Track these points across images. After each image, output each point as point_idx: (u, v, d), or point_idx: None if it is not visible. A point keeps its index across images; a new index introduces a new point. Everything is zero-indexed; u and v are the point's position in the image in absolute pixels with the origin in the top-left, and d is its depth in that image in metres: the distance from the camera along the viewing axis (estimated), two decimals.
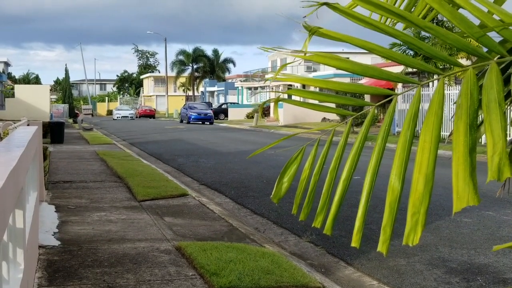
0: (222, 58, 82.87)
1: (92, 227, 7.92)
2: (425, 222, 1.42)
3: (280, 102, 1.68)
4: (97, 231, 7.67)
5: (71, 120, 53.22)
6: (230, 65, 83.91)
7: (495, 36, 1.65)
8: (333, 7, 1.46)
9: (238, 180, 14.06)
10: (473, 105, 1.45)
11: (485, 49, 1.63)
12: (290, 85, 52.86)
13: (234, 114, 58.79)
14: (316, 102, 1.79)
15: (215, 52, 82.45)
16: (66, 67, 65.63)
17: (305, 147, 1.72)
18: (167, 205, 9.86)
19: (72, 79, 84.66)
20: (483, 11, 1.58)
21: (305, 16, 1.47)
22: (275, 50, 1.53)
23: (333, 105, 1.85)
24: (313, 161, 1.68)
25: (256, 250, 6.65)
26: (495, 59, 1.59)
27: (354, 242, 1.56)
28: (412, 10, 2.38)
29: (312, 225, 1.68)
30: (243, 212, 10.26)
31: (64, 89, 66.75)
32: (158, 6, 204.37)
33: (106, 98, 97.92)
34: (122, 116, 68.26)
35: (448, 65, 1.78)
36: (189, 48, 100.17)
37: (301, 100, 1.86)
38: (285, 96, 1.78)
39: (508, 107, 1.71)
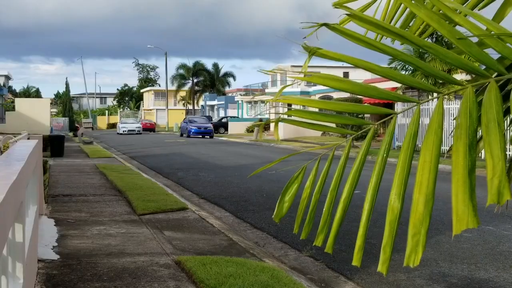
0: (222, 72, 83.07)
1: (92, 241, 7.91)
2: (425, 243, 1.42)
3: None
4: (97, 245, 7.66)
5: (71, 134, 53.28)
6: (230, 79, 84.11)
7: (493, 54, 1.67)
8: (333, 28, 1.48)
9: (238, 194, 14.05)
10: (473, 125, 1.46)
11: (483, 67, 1.64)
12: (290, 104, 52.92)
13: (234, 128, 58.85)
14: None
15: (215, 66, 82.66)
16: (66, 81, 66.19)
17: (305, 167, 1.73)
18: (167, 219, 9.85)
19: (73, 92, 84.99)
20: (481, 29, 1.60)
21: (305, 37, 1.49)
22: (275, 72, 1.55)
23: (333, 124, 1.86)
24: (314, 180, 1.69)
25: (256, 265, 6.64)
26: (494, 76, 1.60)
27: (355, 261, 1.57)
28: (411, 24, 2.40)
29: (314, 244, 1.69)
30: (243, 226, 10.24)
31: (64, 102, 66.94)
32: (158, 20, 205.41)
33: (106, 111, 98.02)
34: (128, 130, 60.39)
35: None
36: (189, 62, 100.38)
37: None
38: (286, 115, 1.80)
39: (509, 127, 1.72)
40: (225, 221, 10.58)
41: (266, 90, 64.05)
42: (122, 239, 8.11)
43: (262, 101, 47.70)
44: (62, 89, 77.65)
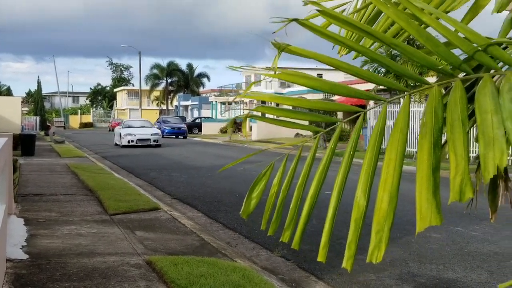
0: (196, 72, 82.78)
1: (62, 241, 7.82)
2: (388, 240, 1.44)
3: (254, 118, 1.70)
4: (67, 245, 7.58)
5: (42, 133, 52.63)
6: (204, 80, 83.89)
7: (460, 54, 1.69)
8: (302, 24, 1.49)
9: (210, 194, 14.03)
10: (438, 123, 1.48)
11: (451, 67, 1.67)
12: (264, 102, 53.13)
13: (208, 129, 58.74)
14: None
15: (190, 66, 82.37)
16: (38, 79, 65.09)
17: (273, 163, 1.74)
18: (139, 219, 9.79)
19: (45, 91, 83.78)
20: (449, 29, 1.62)
21: (274, 32, 1.50)
22: (244, 69, 1.55)
23: (306, 122, 1.87)
24: (282, 177, 1.70)
25: (228, 265, 6.64)
26: (460, 76, 1.63)
27: (320, 257, 1.58)
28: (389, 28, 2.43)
29: (280, 240, 1.70)
30: (215, 226, 10.23)
31: (36, 101, 66.14)
32: (132, 19, 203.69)
33: (79, 110, 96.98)
34: (138, 141, 34.77)
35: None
36: (164, 62, 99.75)
37: (273, 117, 1.89)
38: (257, 112, 1.80)
39: (472, 127, 1.75)
40: (198, 221, 10.55)
41: (240, 91, 64.07)
42: (92, 239, 8.04)
43: (236, 102, 47.81)
44: (34, 88, 76.52)
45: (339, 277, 6.88)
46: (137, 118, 48.20)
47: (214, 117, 68.23)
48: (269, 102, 1.81)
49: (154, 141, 35.37)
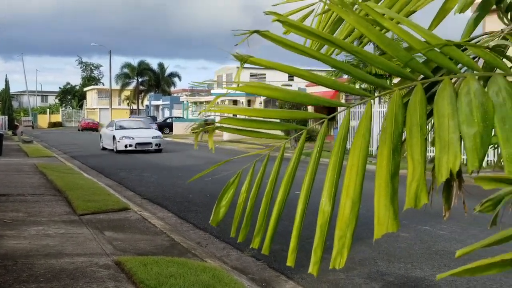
0: (167, 72, 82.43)
1: (29, 242, 7.73)
2: (351, 245, 1.46)
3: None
4: (34, 246, 7.49)
5: (10, 132, 51.79)
6: (176, 79, 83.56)
7: (424, 60, 1.73)
8: (263, 35, 1.50)
9: (181, 194, 14.00)
10: (398, 128, 1.50)
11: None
12: (235, 101, 53.12)
13: (179, 129, 58.48)
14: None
15: (161, 65, 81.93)
16: (6, 78, 64.04)
17: (241, 172, 1.76)
18: (108, 219, 9.72)
19: (13, 90, 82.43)
20: (410, 34, 1.64)
21: (236, 45, 1.52)
22: (205, 83, 1.57)
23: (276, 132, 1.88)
24: (250, 184, 1.72)
25: (197, 265, 6.64)
26: (420, 79, 1.65)
27: (290, 262, 1.60)
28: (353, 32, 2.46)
29: (250, 246, 1.72)
30: (186, 226, 10.22)
31: (3, 100, 65.06)
32: (103, 18, 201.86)
33: (48, 110, 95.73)
34: (137, 145, 29.66)
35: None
36: (134, 61, 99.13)
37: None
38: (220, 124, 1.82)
39: (430, 131, 1.78)
40: (168, 221, 10.52)
41: (212, 91, 63.97)
42: (60, 239, 7.96)
43: (208, 102, 47.70)
44: (1, 86, 75.25)
45: (309, 276, 6.93)
46: (128, 118, 40.96)
47: (185, 117, 67.96)
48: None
49: (156, 145, 29.92)
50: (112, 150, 30.20)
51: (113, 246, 7.71)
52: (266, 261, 7.66)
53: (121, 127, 31.52)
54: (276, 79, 54.31)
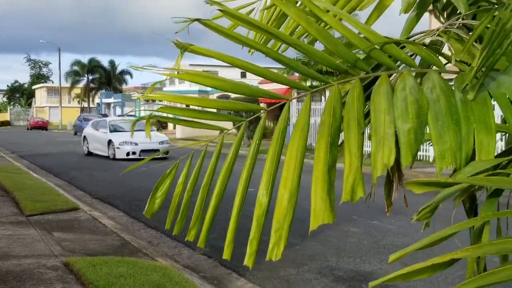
0: (119, 69, 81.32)
1: None
2: (287, 237, 1.46)
3: (177, 116, 1.69)
4: None
5: None
6: (127, 77, 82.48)
7: (363, 56, 1.75)
8: (205, 24, 1.50)
9: (132, 193, 13.84)
10: (336, 122, 1.52)
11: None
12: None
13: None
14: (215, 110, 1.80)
15: (112, 63, 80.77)
16: None
17: (178, 163, 1.74)
18: (57, 219, 9.53)
19: None
20: (350, 30, 1.66)
21: (177, 32, 1.51)
22: (146, 69, 1.55)
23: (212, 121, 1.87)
24: (187, 176, 1.70)
25: (148, 264, 6.58)
26: (359, 75, 1.67)
27: (226, 255, 1.60)
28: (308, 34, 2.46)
29: (186, 239, 1.71)
30: (137, 225, 10.11)
31: None
32: (52, 15, 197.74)
33: None
34: (142, 152, 23.78)
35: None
36: (85, 59, 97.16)
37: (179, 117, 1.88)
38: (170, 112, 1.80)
39: (367, 126, 1.80)
40: (119, 221, 10.39)
41: (164, 89, 63.49)
42: (7, 241, 7.76)
43: (161, 100, 47.40)
44: None
45: (260, 273, 6.96)
46: (122, 118, 29.49)
47: (137, 114, 67.27)
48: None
49: (164, 152, 20.74)
50: (107, 157, 24.50)
51: (61, 247, 7.57)
52: (218, 259, 7.65)
53: (118, 129, 25.38)
54: (229, 76, 54.09)
